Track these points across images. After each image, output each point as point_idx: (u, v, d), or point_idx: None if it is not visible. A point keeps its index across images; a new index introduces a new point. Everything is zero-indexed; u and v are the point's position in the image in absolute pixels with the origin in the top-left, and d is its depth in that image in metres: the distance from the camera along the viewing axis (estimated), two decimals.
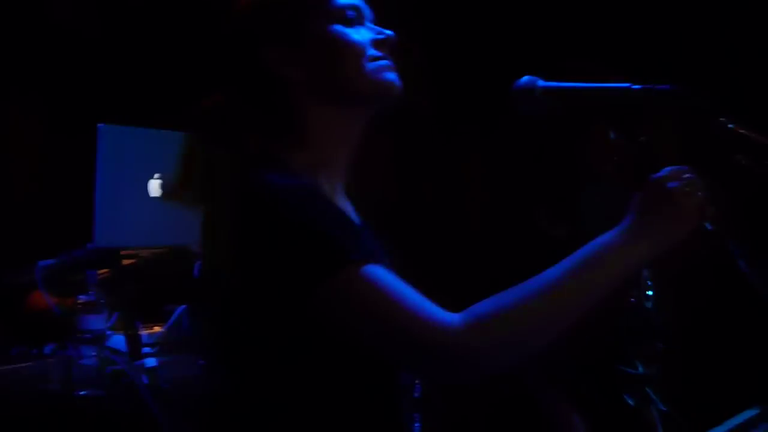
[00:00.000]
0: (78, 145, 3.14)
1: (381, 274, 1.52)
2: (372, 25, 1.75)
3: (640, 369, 2.71)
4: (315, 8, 1.71)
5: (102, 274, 2.87)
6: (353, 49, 1.69)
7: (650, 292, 2.70)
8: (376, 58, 1.70)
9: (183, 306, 3.13)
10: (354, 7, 1.73)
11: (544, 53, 4.09)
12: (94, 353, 2.71)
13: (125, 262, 3.05)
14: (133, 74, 4.56)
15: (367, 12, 1.76)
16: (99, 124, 2.84)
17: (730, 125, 1.63)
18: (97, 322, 2.74)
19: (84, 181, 2.85)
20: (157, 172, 3.00)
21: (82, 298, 2.73)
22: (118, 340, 2.90)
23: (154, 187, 3.01)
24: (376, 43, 1.72)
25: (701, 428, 2.42)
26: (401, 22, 1.81)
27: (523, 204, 2.80)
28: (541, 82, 1.70)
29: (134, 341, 2.86)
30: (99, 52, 4.57)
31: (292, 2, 1.71)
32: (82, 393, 2.69)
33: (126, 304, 2.95)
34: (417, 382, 1.77)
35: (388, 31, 1.73)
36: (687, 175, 1.56)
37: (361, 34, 1.71)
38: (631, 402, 2.68)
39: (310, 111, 1.70)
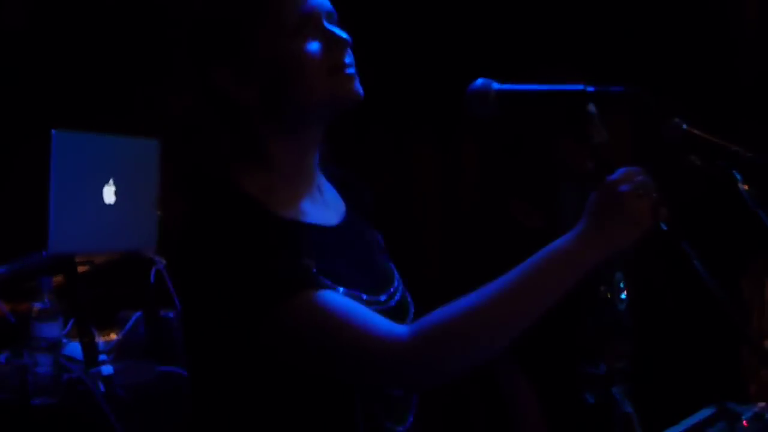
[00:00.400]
0: (31, 150, 3.11)
1: (325, 297, 1.52)
2: (328, 25, 1.65)
3: (603, 368, 2.73)
4: (263, 22, 1.61)
5: (57, 281, 2.84)
6: (308, 65, 1.61)
7: (624, 294, 2.73)
8: (334, 70, 1.63)
9: (138, 312, 3.11)
10: (309, 15, 1.62)
11: (509, 56, 4.12)
12: (49, 361, 2.68)
13: (80, 268, 3.03)
14: (87, 80, 4.53)
15: (325, 9, 1.66)
16: (53, 130, 2.82)
17: (683, 126, 1.65)
18: (52, 329, 2.71)
19: (38, 187, 2.83)
20: (111, 178, 2.99)
21: (36, 306, 2.70)
22: (73, 348, 2.88)
23: (109, 193, 2.99)
24: (333, 51, 1.63)
25: (659, 428, 2.44)
26: (360, 18, 1.77)
27: (499, 198, 2.81)
28: (495, 85, 1.71)
29: (90, 348, 2.84)
30: (51, 56, 4.54)
31: (238, 17, 1.61)
32: (37, 401, 2.66)
33: (81, 311, 2.93)
34: None
35: (343, 34, 1.65)
36: (639, 177, 1.57)
37: (315, 45, 1.62)
38: (591, 400, 2.69)
39: (267, 134, 1.64)
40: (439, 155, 4.84)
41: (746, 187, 1.68)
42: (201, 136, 1.63)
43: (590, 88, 1.63)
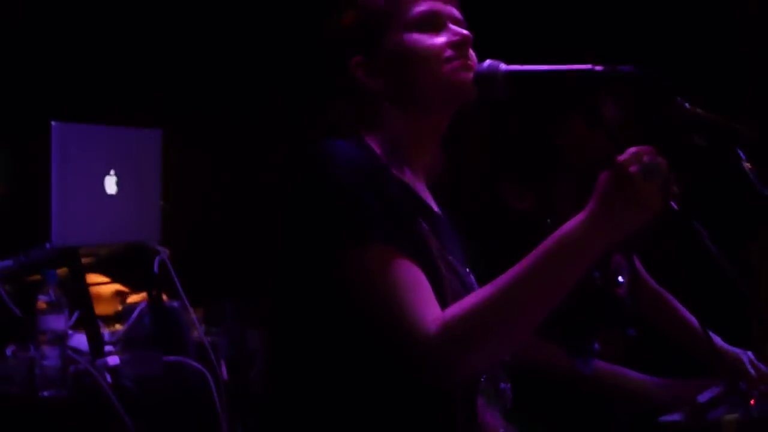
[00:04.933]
0: (30, 143, 3.11)
1: (397, 259, 1.59)
2: (453, 27, 1.78)
3: (596, 347, 2.74)
4: (392, 20, 1.77)
5: (61, 273, 2.84)
6: (426, 54, 1.74)
7: (621, 279, 2.72)
8: (450, 60, 1.74)
9: (143, 303, 3.11)
10: (432, 13, 1.77)
11: (518, 40, 4.11)
12: (56, 353, 2.68)
13: (84, 260, 3.03)
14: (83, 71, 4.52)
15: (448, 13, 1.80)
16: (52, 122, 2.81)
17: (687, 105, 1.65)
18: (57, 321, 2.71)
19: (39, 180, 2.82)
20: (113, 169, 2.98)
21: (42, 298, 2.70)
22: (79, 340, 2.88)
23: (111, 184, 2.98)
24: (451, 45, 1.75)
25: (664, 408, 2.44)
26: None
27: (491, 181, 2.80)
28: (503, 66, 1.70)
29: (96, 340, 2.84)
30: (49, 48, 4.53)
31: (371, 17, 1.79)
32: (45, 394, 2.66)
33: (86, 303, 2.93)
34: None
35: (464, 31, 1.77)
36: (649, 157, 1.56)
37: (433, 38, 1.75)
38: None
39: (390, 115, 1.77)
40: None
41: (749, 165, 1.68)
42: (337, 114, 1.81)
43: (598, 68, 1.62)
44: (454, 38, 1.75)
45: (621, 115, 1.72)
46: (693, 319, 2.88)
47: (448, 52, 1.74)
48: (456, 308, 1.55)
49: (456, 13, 1.81)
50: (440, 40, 1.75)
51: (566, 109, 2.65)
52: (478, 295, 1.55)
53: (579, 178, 2.68)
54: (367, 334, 1.61)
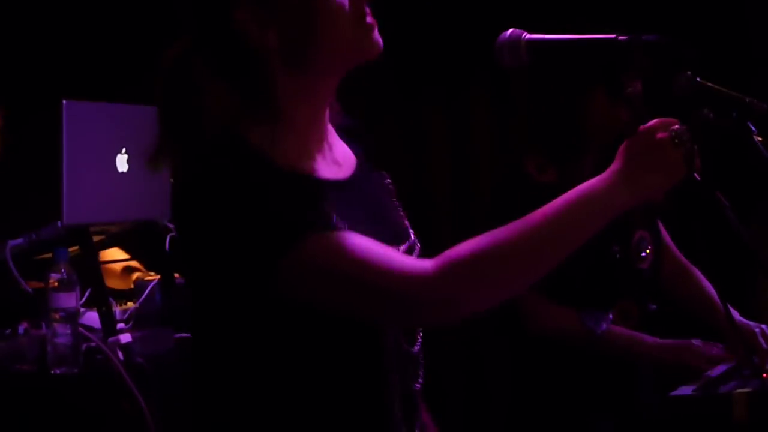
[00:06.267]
0: (42, 121, 3.11)
1: (343, 237, 1.51)
2: None
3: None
4: None
5: (72, 251, 2.85)
6: (332, 7, 1.58)
7: (644, 253, 2.72)
8: (359, 19, 1.61)
9: (155, 280, 3.12)
10: None
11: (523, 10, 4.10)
12: (68, 331, 2.69)
13: (95, 238, 3.03)
14: (94, 49, 4.52)
15: None
16: (64, 100, 2.81)
17: (696, 78, 1.64)
18: (69, 299, 2.72)
19: (50, 159, 2.83)
20: (124, 147, 2.98)
21: (53, 276, 2.71)
22: (91, 317, 2.89)
23: (122, 162, 2.99)
24: (357, 3, 1.61)
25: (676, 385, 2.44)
26: None
27: (515, 152, 2.80)
28: (526, 35, 1.69)
29: (108, 317, 2.85)
30: (59, 26, 4.53)
31: None
32: (57, 371, 2.68)
33: (98, 281, 2.94)
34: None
35: None
36: (676, 126, 1.57)
37: None
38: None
39: (281, 79, 1.61)
40: (448, 116, 4.83)
41: (760, 139, 1.68)
42: (210, 84, 1.61)
43: (622, 37, 1.61)
44: None
45: (640, 87, 1.71)
46: (713, 292, 2.87)
47: (357, 11, 1.60)
48: (464, 247, 1.50)
49: None
50: None
51: (591, 84, 2.66)
52: (489, 237, 1.51)
53: (602, 154, 2.68)
54: (335, 334, 1.56)
